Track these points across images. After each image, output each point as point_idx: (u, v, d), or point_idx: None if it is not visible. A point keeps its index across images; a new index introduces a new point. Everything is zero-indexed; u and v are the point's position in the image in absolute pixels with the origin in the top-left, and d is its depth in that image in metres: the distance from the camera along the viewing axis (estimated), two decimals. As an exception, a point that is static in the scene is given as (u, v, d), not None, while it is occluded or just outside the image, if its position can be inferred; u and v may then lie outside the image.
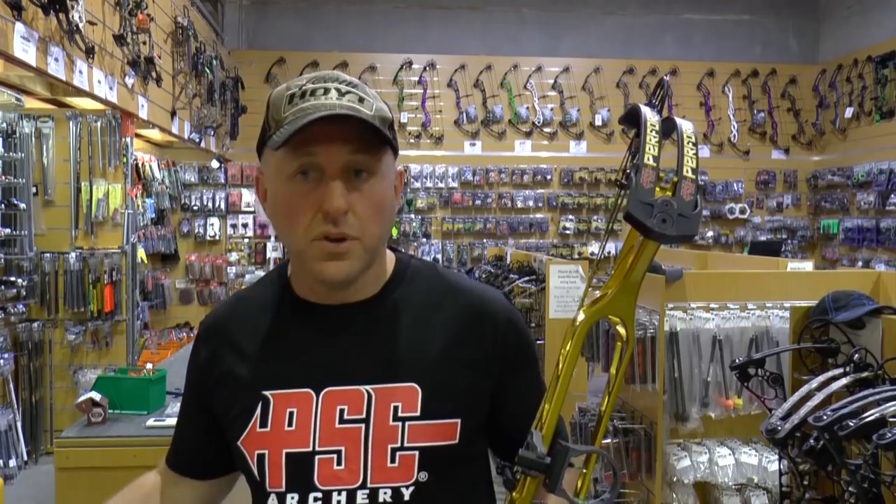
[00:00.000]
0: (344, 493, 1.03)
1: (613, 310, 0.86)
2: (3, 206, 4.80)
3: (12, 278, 4.80)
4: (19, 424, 4.73)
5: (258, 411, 1.07)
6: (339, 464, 1.04)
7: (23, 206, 4.91)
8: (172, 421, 1.69)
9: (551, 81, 8.56)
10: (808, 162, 8.88)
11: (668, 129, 0.85)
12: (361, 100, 1.02)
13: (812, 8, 9.09)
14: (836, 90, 8.45)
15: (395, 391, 1.05)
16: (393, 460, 1.04)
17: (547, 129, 8.54)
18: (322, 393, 1.06)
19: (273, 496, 1.06)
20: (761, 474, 2.59)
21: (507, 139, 8.54)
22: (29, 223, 5.02)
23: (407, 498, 1.04)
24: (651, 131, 0.81)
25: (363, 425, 1.04)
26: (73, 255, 5.14)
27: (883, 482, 1.36)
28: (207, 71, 6.37)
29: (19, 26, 3.08)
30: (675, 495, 2.63)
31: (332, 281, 1.03)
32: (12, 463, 4.54)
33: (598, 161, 8.44)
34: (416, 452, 1.04)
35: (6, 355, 4.64)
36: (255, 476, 1.07)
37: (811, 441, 1.45)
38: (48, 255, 5.14)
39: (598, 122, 8.48)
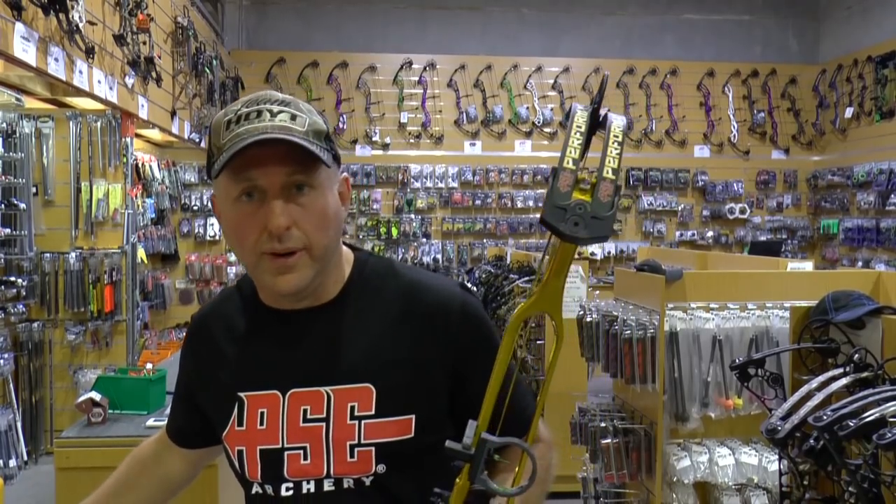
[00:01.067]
0: (312, 482, 1.14)
1: (541, 307, 0.89)
2: (3, 206, 4.80)
3: (12, 278, 4.80)
4: (19, 424, 4.73)
5: (235, 411, 1.17)
6: (305, 458, 1.14)
7: (23, 206, 4.91)
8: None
9: (551, 81, 8.56)
10: (808, 162, 8.88)
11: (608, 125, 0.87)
12: (294, 117, 1.08)
13: (812, 8, 9.09)
14: (836, 90, 8.45)
15: (351, 392, 1.13)
16: (352, 455, 1.12)
17: (547, 129, 8.54)
18: (288, 394, 1.15)
19: (255, 484, 1.18)
20: (761, 474, 2.59)
21: (507, 139, 8.54)
22: (29, 223, 5.02)
23: (368, 484, 1.14)
24: (576, 133, 0.84)
25: (324, 424, 1.13)
26: (73, 255, 5.14)
27: (883, 482, 1.36)
28: (207, 71, 6.37)
29: (19, 26, 3.08)
30: (675, 495, 2.63)
31: (285, 293, 1.11)
32: (12, 463, 4.54)
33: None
34: (373, 448, 1.12)
35: (6, 355, 4.64)
36: (237, 468, 1.19)
37: (811, 441, 1.45)
38: (48, 255, 5.14)
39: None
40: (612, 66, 8.52)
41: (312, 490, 1.14)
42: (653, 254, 5.68)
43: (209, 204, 7.97)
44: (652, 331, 2.65)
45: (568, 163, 0.82)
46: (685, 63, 8.70)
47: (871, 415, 1.37)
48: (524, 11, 8.77)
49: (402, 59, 8.45)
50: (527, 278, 4.61)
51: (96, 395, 2.80)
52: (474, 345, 1.19)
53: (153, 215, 6.92)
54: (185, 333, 1.33)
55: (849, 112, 8.18)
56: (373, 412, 1.12)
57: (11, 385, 4.74)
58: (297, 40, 8.50)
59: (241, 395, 1.17)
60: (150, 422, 2.78)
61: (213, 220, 8.03)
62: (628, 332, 2.71)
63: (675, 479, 2.60)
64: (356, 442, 1.12)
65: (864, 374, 1.73)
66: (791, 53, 9.08)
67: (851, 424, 1.36)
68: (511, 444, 0.88)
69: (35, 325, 5.04)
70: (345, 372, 1.14)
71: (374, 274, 1.21)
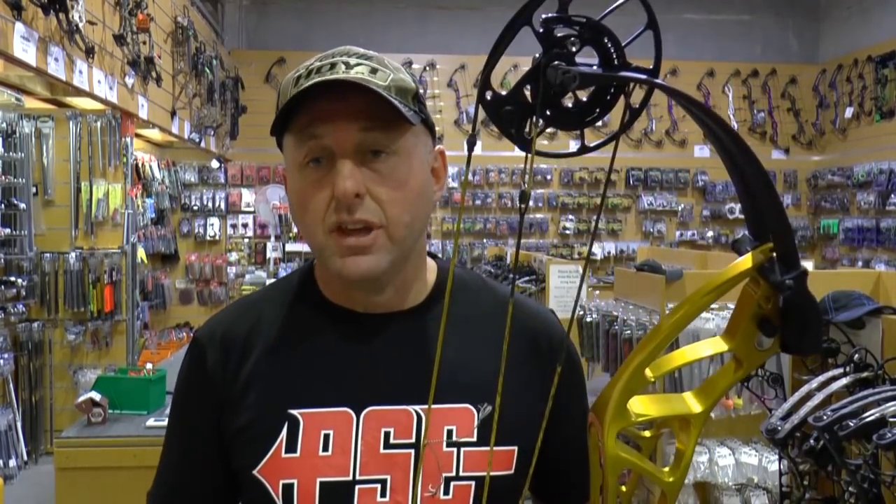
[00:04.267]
0: None
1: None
2: (3, 206, 4.80)
3: (12, 278, 4.80)
4: (19, 424, 4.73)
5: (284, 433, 0.91)
6: (383, 495, 0.91)
7: (23, 206, 4.91)
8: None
9: (551, 81, 8.56)
10: (808, 162, 8.88)
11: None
12: (374, 70, 0.89)
13: (812, 8, 9.09)
14: (836, 90, 8.45)
15: (448, 413, 0.93)
16: (447, 492, 0.91)
17: (547, 129, 8.54)
18: (363, 413, 0.92)
19: None
20: (761, 474, 2.59)
21: (507, 139, 8.53)
22: (29, 223, 5.02)
23: None
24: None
25: (413, 451, 0.91)
26: (73, 255, 5.14)
27: (883, 482, 1.36)
28: (207, 71, 6.37)
29: (19, 26, 3.08)
30: (675, 495, 2.62)
31: (354, 278, 0.90)
32: (12, 463, 4.54)
33: (599, 161, 8.44)
34: (472, 483, 0.91)
35: (6, 355, 4.64)
36: None
37: (811, 441, 1.45)
38: (48, 255, 5.14)
39: (598, 123, 8.46)
40: (612, 66, 8.50)
41: None
42: (653, 254, 5.68)
43: (209, 203, 7.99)
44: (652, 331, 2.65)
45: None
46: (685, 63, 8.70)
47: (871, 415, 1.37)
48: (524, 11, 8.77)
49: (402, 59, 8.44)
50: (527, 278, 4.61)
51: (96, 395, 2.81)
52: (573, 375, 1.05)
53: (153, 215, 6.93)
54: (187, 356, 1.02)
55: (849, 112, 8.18)
56: (474, 438, 0.92)
57: (11, 385, 4.74)
58: (297, 40, 8.49)
59: (295, 412, 0.92)
60: (150, 422, 2.78)
61: (213, 219, 8.03)
62: (628, 332, 2.71)
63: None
64: (454, 474, 0.91)
65: (864, 374, 1.73)
66: (791, 53, 9.08)
67: (851, 424, 1.36)
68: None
69: (35, 325, 5.04)
70: (440, 388, 0.88)
71: (463, 284, 1.03)
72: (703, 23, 8.97)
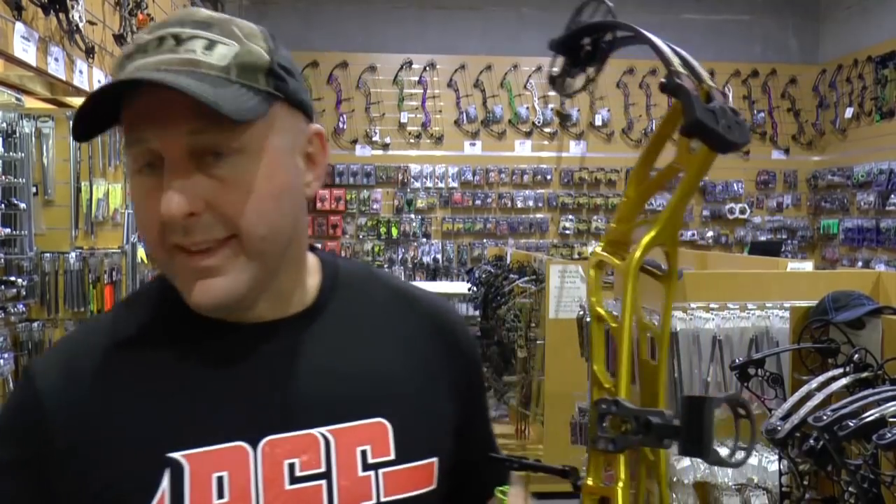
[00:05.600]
0: None
1: (662, 238, 0.79)
2: (3, 206, 4.80)
3: (12, 278, 4.80)
4: (19, 424, 4.73)
5: (165, 484, 0.73)
6: None
7: (23, 206, 4.90)
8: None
9: (551, 81, 8.56)
10: (808, 162, 8.88)
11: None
12: (211, 45, 0.72)
13: (812, 8, 9.09)
14: (836, 90, 8.45)
15: (359, 431, 0.80)
16: None
17: (547, 129, 8.53)
18: (261, 444, 0.77)
19: None
20: (761, 474, 2.59)
21: (507, 139, 8.54)
22: (29, 223, 5.02)
23: None
24: (660, 42, 0.72)
25: (324, 482, 0.78)
26: (73, 255, 5.14)
27: (883, 482, 1.36)
28: (207, 71, 6.37)
29: (19, 26, 3.08)
30: (675, 495, 2.62)
31: (206, 307, 0.75)
32: (12, 463, 4.53)
33: (599, 161, 8.44)
34: None
35: (6, 355, 4.64)
36: None
37: (811, 441, 1.45)
38: (48, 255, 5.14)
39: (599, 123, 8.47)
40: (612, 65, 8.47)
41: None
42: (653, 253, 5.67)
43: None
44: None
45: (677, 65, 0.70)
46: (685, 63, 8.70)
47: (871, 415, 1.37)
48: (524, 11, 8.76)
49: (402, 59, 8.45)
50: (526, 278, 4.61)
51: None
52: (480, 371, 0.97)
53: (153, 215, 6.94)
54: (13, 398, 0.80)
55: (849, 112, 8.18)
56: (392, 456, 0.81)
57: (11, 385, 4.74)
58: (297, 40, 8.49)
59: (177, 455, 0.74)
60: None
61: (213, 220, 8.04)
62: (628, 332, 2.71)
63: (674, 479, 2.60)
64: (375, 502, 0.80)
65: (864, 375, 1.73)
66: (791, 53, 9.08)
67: (851, 424, 1.36)
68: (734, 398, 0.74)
69: (35, 324, 5.04)
70: (347, 404, 0.81)
71: (352, 277, 0.90)
72: (703, 23, 8.97)
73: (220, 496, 0.74)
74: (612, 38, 0.84)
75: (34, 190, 5.14)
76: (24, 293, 4.90)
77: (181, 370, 0.79)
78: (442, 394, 0.88)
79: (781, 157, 8.90)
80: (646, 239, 0.80)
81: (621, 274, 0.84)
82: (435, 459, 0.85)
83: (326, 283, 0.87)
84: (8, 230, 4.80)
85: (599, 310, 0.91)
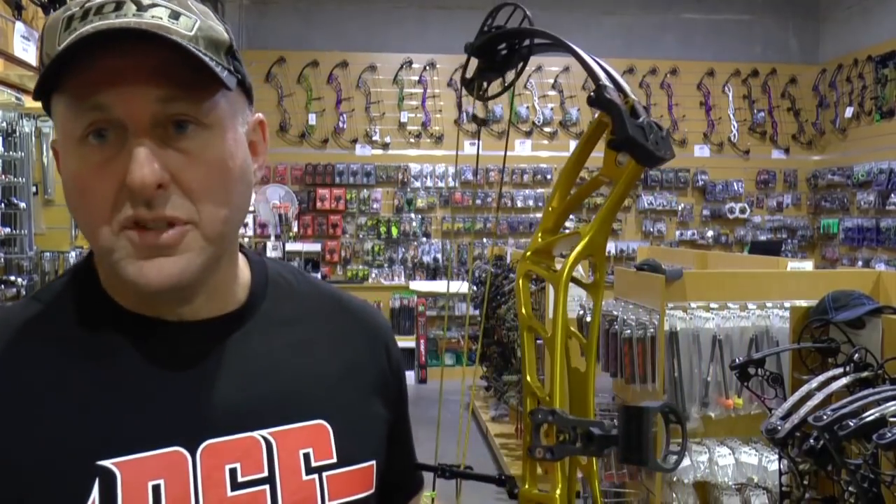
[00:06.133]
0: None
1: (590, 250, 0.83)
2: (3, 205, 4.80)
3: (12, 278, 4.80)
4: (19, 424, 4.73)
5: (95, 495, 0.67)
6: None
7: (23, 205, 4.91)
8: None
9: (551, 81, 8.56)
10: (808, 162, 8.88)
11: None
12: (176, 15, 0.68)
13: (812, 8, 9.09)
14: (836, 90, 8.45)
15: (300, 433, 0.78)
16: None
17: (547, 129, 8.54)
18: (200, 449, 0.73)
19: None
20: (761, 474, 2.59)
21: (508, 135, 8.54)
22: (29, 222, 5.02)
23: None
24: (589, 60, 0.74)
25: (267, 486, 0.75)
26: (73, 254, 5.14)
27: (883, 482, 1.36)
28: (207, 70, 6.37)
29: (19, 26, 3.09)
30: (675, 495, 2.63)
31: (154, 287, 0.69)
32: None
33: (598, 161, 8.43)
34: None
35: (6, 355, 4.65)
36: None
37: (811, 441, 1.46)
38: (48, 254, 5.14)
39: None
40: (612, 65, 8.49)
41: None
42: (653, 253, 5.68)
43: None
44: (652, 330, 2.65)
45: (603, 80, 0.71)
46: (685, 63, 8.70)
47: (871, 415, 1.37)
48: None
49: (402, 59, 8.45)
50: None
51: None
52: (404, 381, 0.95)
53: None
54: None
55: (849, 112, 8.18)
56: (334, 459, 0.79)
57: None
58: (297, 40, 8.49)
59: (107, 463, 0.68)
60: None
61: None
62: (628, 331, 2.72)
63: (675, 479, 2.60)
64: None
65: (864, 374, 1.74)
66: (791, 53, 9.08)
67: (851, 424, 1.36)
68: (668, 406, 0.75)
69: (35, 324, 5.04)
70: (286, 405, 0.78)
71: (281, 278, 0.87)
72: (703, 23, 8.97)
73: None
74: (529, 44, 0.86)
75: (34, 189, 5.15)
76: (24, 292, 4.90)
77: (107, 370, 0.73)
78: (376, 397, 0.87)
79: (781, 156, 8.90)
80: (575, 251, 0.83)
81: (552, 285, 0.87)
82: (373, 462, 0.83)
83: (258, 282, 0.83)
84: (8, 229, 4.80)
85: (530, 321, 0.95)
